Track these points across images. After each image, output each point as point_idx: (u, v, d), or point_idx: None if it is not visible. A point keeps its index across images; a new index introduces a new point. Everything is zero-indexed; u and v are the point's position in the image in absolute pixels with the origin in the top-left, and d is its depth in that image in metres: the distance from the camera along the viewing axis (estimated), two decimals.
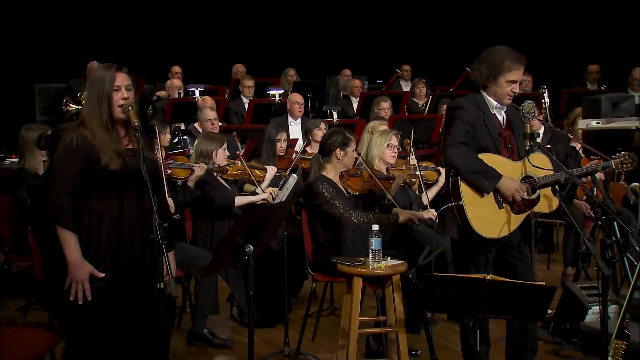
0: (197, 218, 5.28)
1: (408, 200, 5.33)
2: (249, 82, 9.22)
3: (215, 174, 5.30)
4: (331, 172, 4.81)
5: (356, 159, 5.13)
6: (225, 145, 5.37)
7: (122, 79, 3.26)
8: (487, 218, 3.75)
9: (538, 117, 5.97)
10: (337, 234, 4.65)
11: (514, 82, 3.80)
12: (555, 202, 3.86)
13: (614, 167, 3.91)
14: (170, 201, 4.82)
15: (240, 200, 5.27)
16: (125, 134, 3.34)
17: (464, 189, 3.74)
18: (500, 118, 3.89)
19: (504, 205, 3.77)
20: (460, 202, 3.73)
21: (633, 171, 4.03)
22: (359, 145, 5.68)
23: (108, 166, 3.18)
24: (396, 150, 5.22)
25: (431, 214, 4.87)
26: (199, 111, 7.46)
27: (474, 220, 3.72)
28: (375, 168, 5.12)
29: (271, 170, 5.65)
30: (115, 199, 3.24)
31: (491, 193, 3.74)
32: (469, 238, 3.77)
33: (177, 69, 10.12)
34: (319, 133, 6.51)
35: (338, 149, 4.77)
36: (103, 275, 3.20)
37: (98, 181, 3.21)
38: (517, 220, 3.80)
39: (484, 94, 3.86)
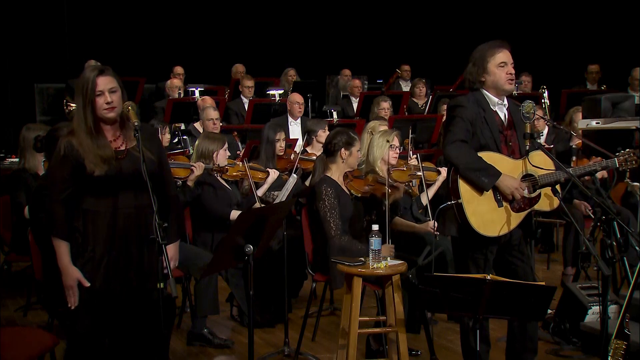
0: (197, 220, 5.27)
1: (408, 202, 5.33)
2: (249, 82, 9.23)
3: (215, 174, 5.29)
4: (335, 172, 4.80)
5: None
6: (226, 145, 5.35)
7: (104, 83, 3.23)
8: (487, 216, 3.74)
9: (544, 117, 5.98)
10: None
11: (505, 63, 3.81)
12: (556, 201, 3.86)
13: (617, 165, 3.90)
14: None
15: (235, 215, 5.13)
16: (120, 134, 3.34)
17: (463, 187, 3.73)
18: (502, 115, 3.88)
19: (504, 203, 3.77)
20: (460, 200, 3.73)
21: (637, 170, 4.03)
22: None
23: (93, 173, 3.19)
24: (398, 151, 5.22)
25: (429, 226, 4.84)
26: (200, 111, 7.45)
27: (473, 219, 3.72)
28: (377, 169, 5.10)
29: (273, 174, 5.61)
30: (108, 200, 3.25)
31: (490, 191, 3.73)
32: (468, 236, 3.77)
33: (179, 69, 10.12)
34: (323, 135, 6.46)
35: (343, 149, 4.76)
36: (89, 284, 3.22)
37: (88, 186, 3.23)
38: (517, 218, 3.79)
39: (484, 91, 3.86)
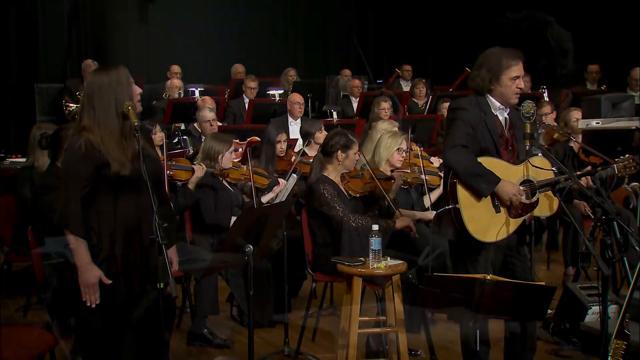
0: (197, 221, 5.26)
1: (410, 202, 5.32)
2: (252, 84, 9.20)
3: (218, 177, 5.25)
4: (332, 173, 4.80)
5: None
6: (232, 147, 5.31)
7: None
8: (484, 222, 3.72)
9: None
10: (334, 236, 4.64)
11: (517, 77, 3.78)
12: (556, 204, 3.85)
13: (616, 172, 3.89)
14: None
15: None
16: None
17: (461, 192, 3.72)
18: (502, 119, 3.87)
19: (502, 209, 3.75)
20: (457, 206, 3.71)
21: (635, 173, 4.03)
22: (367, 144, 5.62)
23: (119, 172, 3.18)
24: (404, 155, 5.20)
25: (429, 217, 4.82)
26: (198, 111, 7.45)
27: (470, 224, 3.70)
28: (380, 169, 5.10)
29: (281, 185, 5.51)
30: (123, 201, 3.24)
31: (489, 197, 3.72)
32: (466, 240, 3.76)
33: (176, 68, 10.14)
34: (321, 136, 6.44)
35: (339, 151, 4.76)
36: (110, 282, 3.20)
37: (106, 185, 3.21)
38: (514, 224, 3.77)
39: (489, 96, 3.82)
